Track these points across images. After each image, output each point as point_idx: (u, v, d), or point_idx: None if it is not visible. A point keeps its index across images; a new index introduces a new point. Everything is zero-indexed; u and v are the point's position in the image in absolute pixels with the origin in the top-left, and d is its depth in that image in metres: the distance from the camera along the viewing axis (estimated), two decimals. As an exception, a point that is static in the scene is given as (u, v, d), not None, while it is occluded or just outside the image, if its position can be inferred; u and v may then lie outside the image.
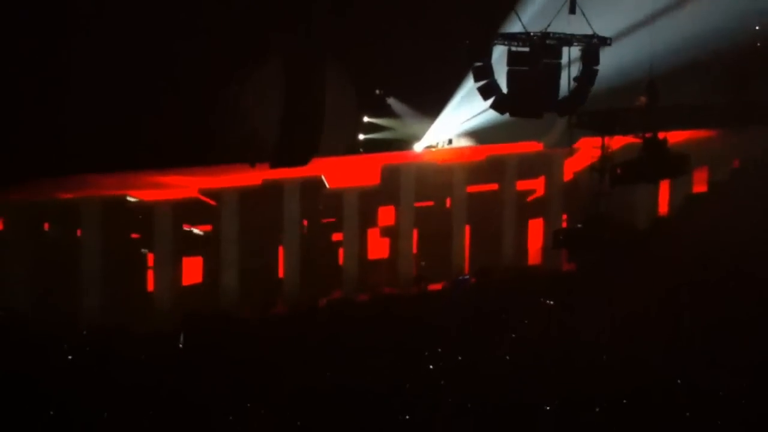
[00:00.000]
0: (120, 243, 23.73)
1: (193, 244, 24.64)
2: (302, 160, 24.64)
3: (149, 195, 24.13)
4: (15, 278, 22.68)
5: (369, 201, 26.30)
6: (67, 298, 23.05)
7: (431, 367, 21.22)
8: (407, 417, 19.28)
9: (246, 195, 24.82)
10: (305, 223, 25.71)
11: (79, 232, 23.45)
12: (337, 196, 25.94)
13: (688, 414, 19.48)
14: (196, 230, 24.76)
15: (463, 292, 26.33)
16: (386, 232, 26.79)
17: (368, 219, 26.42)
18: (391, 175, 26.55)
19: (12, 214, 22.88)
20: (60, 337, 21.73)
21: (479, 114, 26.26)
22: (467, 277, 26.93)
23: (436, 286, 26.61)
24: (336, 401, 19.65)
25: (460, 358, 21.46)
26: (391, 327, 23.15)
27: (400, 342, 22.19)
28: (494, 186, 27.79)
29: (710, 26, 27.17)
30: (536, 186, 28.35)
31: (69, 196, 23.56)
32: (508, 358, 21.49)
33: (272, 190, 25.10)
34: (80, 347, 21.66)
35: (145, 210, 23.96)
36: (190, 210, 24.46)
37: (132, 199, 23.88)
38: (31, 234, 22.95)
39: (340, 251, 26.04)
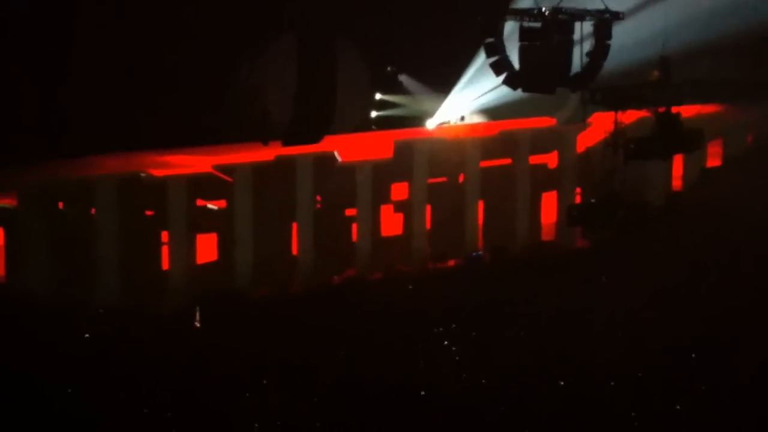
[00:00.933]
0: (134, 220, 23.78)
1: (207, 220, 24.69)
2: (314, 138, 24.63)
3: (163, 172, 24.18)
4: (29, 257, 22.76)
5: (382, 176, 26.27)
6: (81, 277, 23.12)
7: (446, 343, 21.30)
8: (422, 393, 19.36)
9: (259, 170, 24.82)
10: (318, 198, 25.73)
11: (93, 211, 23.50)
12: (350, 171, 25.91)
13: (703, 388, 19.54)
14: (210, 205, 24.82)
15: (477, 269, 26.35)
16: (399, 207, 26.78)
17: (381, 195, 26.42)
18: (403, 151, 26.51)
19: (26, 192, 22.92)
20: (75, 317, 21.83)
21: (491, 90, 26.22)
22: (480, 253, 26.92)
23: (449, 263, 26.61)
24: (351, 379, 19.74)
25: (474, 334, 21.52)
26: (404, 305, 23.22)
27: (413, 319, 22.25)
28: (507, 161, 27.77)
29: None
30: (549, 161, 28.32)
31: (82, 174, 23.59)
32: (522, 335, 21.54)
33: (285, 165, 25.10)
34: (96, 327, 21.77)
35: (159, 186, 23.94)
36: (204, 185, 24.47)
37: (145, 176, 23.90)
38: (45, 213, 23.00)
39: (354, 228, 26.07)
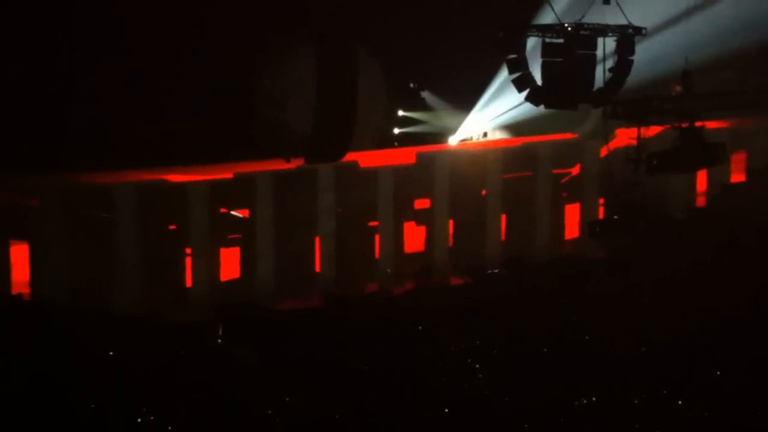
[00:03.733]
0: (156, 230, 23.80)
1: (230, 229, 24.69)
2: (337, 155, 24.64)
3: (184, 178, 24.25)
4: (51, 264, 22.87)
5: (404, 187, 26.24)
6: (103, 290, 23.22)
7: (469, 360, 21.27)
8: (446, 411, 19.35)
9: (281, 179, 24.79)
10: (339, 210, 25.77)
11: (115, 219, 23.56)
12: (372, 179, 25.87)
13: (728, 406, 19.45)
14: (233, 212, 24.86)
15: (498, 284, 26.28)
16: (422, 219, 26.77)
17: (404, 210, 26.43)
18: (426, 163, 26.55)
19: (48, 197, 23.03)
20: (96, 330, 21.87)
21: (514, 107, 26.23)
22: (496, 270, 26.79)
23: (468, 279, 26.56)
24: (372, 395, 19.73)
25: (495, 352, 21.48)
26: (425, 319, 23.18)
27: (434, 334, 22.23)
28: (529, 174, 27.79)
29: (747, 13, 26.96)
30: (572, 174, 28.34)
31: (104, 181, 23.68)
32: (545, 350, 21.47)
33: (307, 174, 25.08)
34: (117, 340, 21.80)
35: (180, 192, 23.99)
36: (226, 192, 24.46)
37: (168, 183, 23.91)
38: (67, 218, 23.06)
39: (376, 243, 26.08)
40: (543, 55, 22.16)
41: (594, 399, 19.59)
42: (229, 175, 24.45)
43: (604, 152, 27.58)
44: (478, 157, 27.47)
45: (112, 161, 23.50)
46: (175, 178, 24.33)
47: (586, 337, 22.00)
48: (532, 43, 22.69)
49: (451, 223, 27.00)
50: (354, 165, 25.54)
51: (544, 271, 26.69)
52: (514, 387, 19.98)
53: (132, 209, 23.43)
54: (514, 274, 26.56)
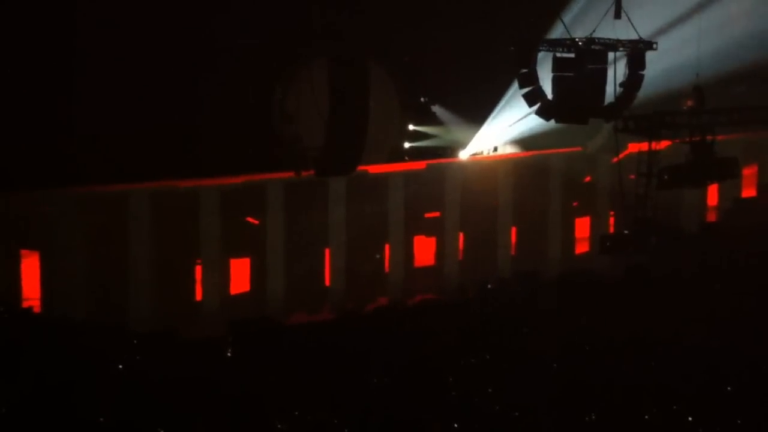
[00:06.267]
0: (169, 243, 23.82)
1: (240, 237, 24.70)
2: (347, 169, 24.66)
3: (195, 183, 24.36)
4: (63, 273, 22.93)
5: (415, 200, 26.22)
6: (115, 303, 23.24)
7: (478, 375, 21.25)
8: (455, 426, 19.31)
9: (291, 188, 24.82)
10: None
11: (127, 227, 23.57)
12: (382, 191, 25.92)
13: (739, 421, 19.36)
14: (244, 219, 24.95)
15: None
16: (432, 232, 26.75)
17: (414, 223, 26.44)
18: (436, 175, 26.55)
19: (62, 204, 23.08)
20: (109, 345, 21.90)
21: (525, 121, 26.24)
22: (490, 286, 26.70)
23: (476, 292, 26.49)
24: (384, 409, 19.71)
25: (504, 366, 21.45)
26: (436, 333, 23.16)
27: (443, 348, 22.22)
28: (540, 186, 27.79)
29: (758, 27, 26.97)
30: (582, 187, 28.33)
31: (116, 188, 23.71)
32: (555, 366, 21.41)
33: (317, 185, 25.12)
34: (130, 355, 21.84)
35: (193, 198, 24.04)
36: (237, 201, 24.51)
37: (179, 189, 23.99)
38: (80, 227, 23.10)
39: (386, 257, 26.08)
40: (554, 69, 22.17)
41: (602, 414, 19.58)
42: (238, 180, 24.52)
43: (616, 166, 27.59)
44: (489, 169, 27.47)
45: (122, 173, 23.57)
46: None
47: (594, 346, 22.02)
48: (544, 57, 22.72)
49: (461, 236, 26.97)
50: (364, 173, 25.59)
51: (558, 285, 26.65)
52: (523, 402, 19.98)
53: (145, 216, 23.45)
54: (527, 287, 26.55)
